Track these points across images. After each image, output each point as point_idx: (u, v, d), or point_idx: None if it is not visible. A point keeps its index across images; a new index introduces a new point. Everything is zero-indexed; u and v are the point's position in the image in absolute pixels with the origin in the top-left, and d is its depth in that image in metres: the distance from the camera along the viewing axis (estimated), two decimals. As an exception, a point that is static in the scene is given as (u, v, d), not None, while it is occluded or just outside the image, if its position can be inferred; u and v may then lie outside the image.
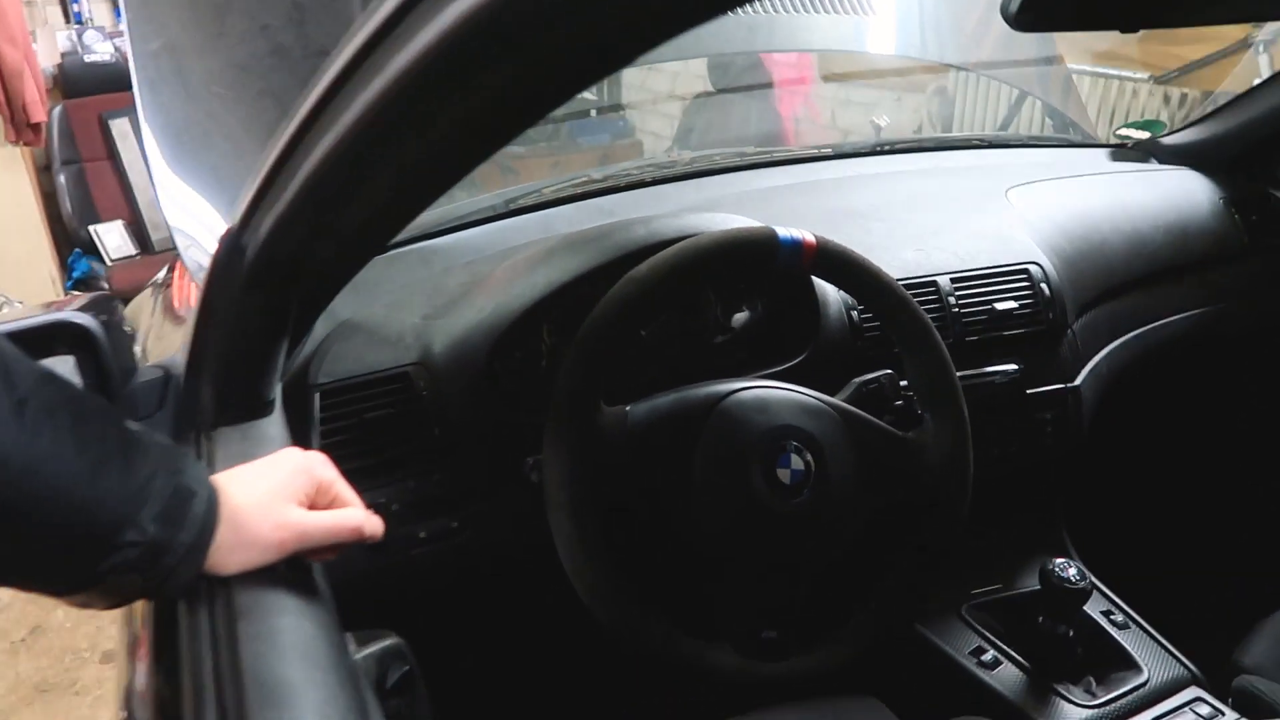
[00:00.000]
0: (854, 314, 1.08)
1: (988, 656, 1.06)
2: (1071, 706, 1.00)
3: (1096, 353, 1.24)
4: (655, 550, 0.89)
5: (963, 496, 0.90)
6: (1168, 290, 1.34)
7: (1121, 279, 1.29)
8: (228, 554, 0.58)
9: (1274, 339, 1.47)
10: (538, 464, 0.83)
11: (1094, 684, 1.04)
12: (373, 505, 0.90)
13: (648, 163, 1.47)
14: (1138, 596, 1.15)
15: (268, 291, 0.71)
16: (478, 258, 1.13)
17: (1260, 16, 1.47)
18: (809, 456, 0.83)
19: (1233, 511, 1.57)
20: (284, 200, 0.61)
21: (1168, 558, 1.41)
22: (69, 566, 0.52)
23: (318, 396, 0.92)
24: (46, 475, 0.49)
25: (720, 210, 1.08)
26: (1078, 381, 1.19)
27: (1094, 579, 1.05)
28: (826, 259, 0.87)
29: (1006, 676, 1.04)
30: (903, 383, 0.98)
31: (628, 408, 0.84)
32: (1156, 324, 1.32)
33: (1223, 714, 1.00)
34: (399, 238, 1.21)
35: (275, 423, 0.76)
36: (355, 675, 0.57)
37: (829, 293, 1.07)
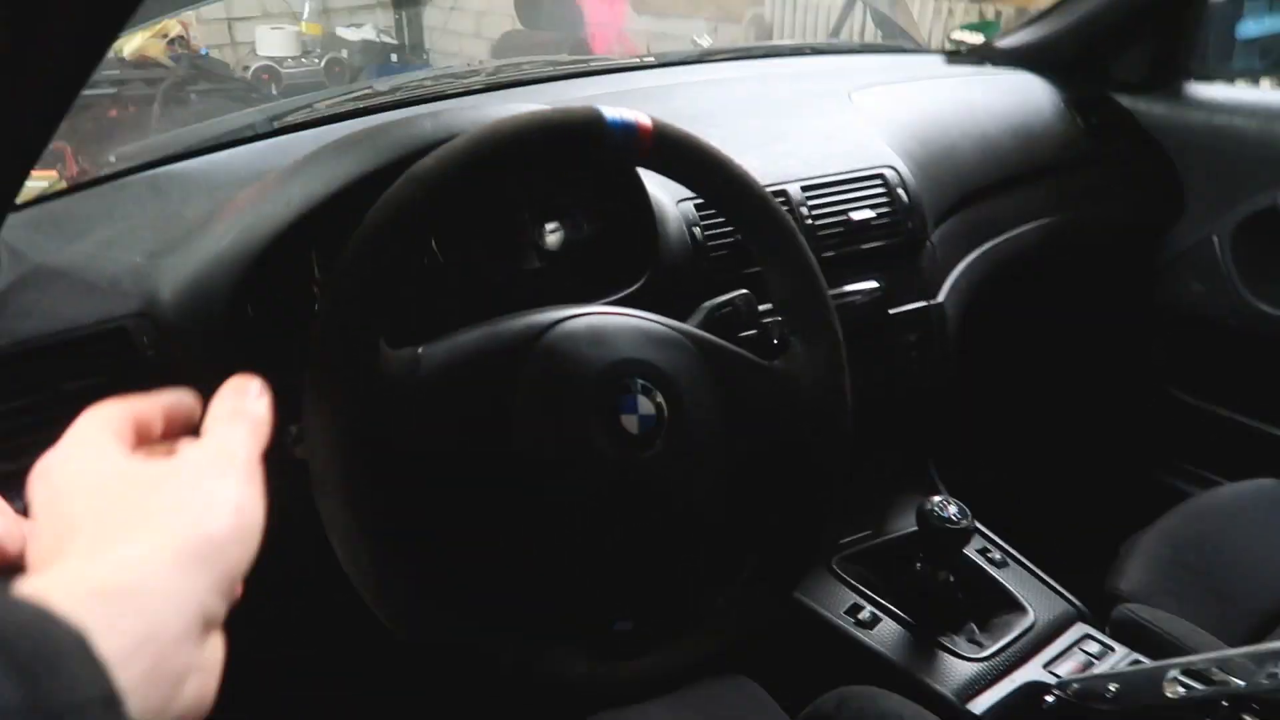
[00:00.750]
0: (696, 230, 0.91)
1: (865, 614, 0.94)
2: (960, 661, 0.89)
3: (955, 265, 1.13)
4: (467, 536, 0.69)
5: (844, 430, 0.75)
6: (1018, 195, 1.26)
7: (975, 185, 1.19)
8: None
9: (1124, 243, 1.43)
10: (302, 433, 0.62)
11: (977, 632, 0.94)
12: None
13: (443, 72, 1.24)
14: (1010, 531, 1.06)
15: None
16: (227, 181, 0.89)
17: None
18: (660, 397, 0.66)
19: (1095, 428, 1.54)
20: None
21: (1035, 486, 1.35)
22: None
23: None
24: None
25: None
26: (940, 298, 1.07)
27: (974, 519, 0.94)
28: (666, 146, 0.69)
29: (887, 635, 0.92)
30: (762, 306, 0.82)
31: (419, 349, 0.63)
32: (1012, 233, 1.22)
33: (1111, 649, 0.92)
34: (126, 164, 0.95)
35: None
36: None
37: (666, 207, 0.90)
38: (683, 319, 0.78)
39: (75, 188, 0.90)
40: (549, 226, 0.88)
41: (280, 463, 0.65)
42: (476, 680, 0.65)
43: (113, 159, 0.98)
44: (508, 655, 0.64)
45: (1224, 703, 0.71)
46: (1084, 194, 1.33)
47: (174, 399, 0.44)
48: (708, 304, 0.79)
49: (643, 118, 0.67)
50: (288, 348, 0.73)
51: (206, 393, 0.57)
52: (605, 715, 0.77)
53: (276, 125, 1.04)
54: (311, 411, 0.59)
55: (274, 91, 3.48)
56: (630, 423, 0.64)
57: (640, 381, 0.65)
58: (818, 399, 0.74)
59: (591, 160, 0.76)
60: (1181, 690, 0.73)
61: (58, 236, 0.81)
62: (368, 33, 3.94)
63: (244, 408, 0.42)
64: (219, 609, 0.33)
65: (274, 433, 0.45)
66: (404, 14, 3.85)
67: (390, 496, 0.60)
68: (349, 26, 3.97)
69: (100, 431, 0.39)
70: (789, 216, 0.74)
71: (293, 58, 3.81)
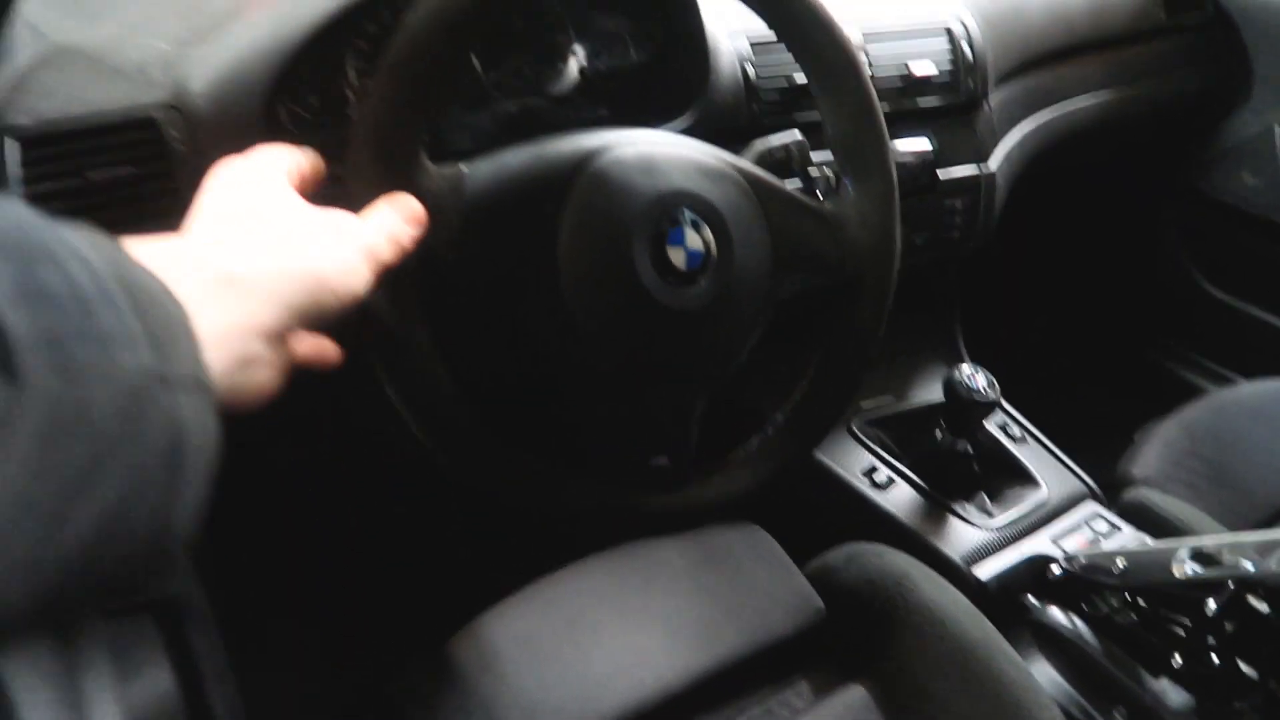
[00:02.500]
0: (749, 67, 0.87)
1: (880, 476, 0.95)
2: (970, 528, 0.90)
3: (1009, 132, 1.09)
4: (509, 368, 0.68)
5: (889, 279, 0.73)
6: (1083, 65, 1.20)
7: (1040, 49, 1.13)
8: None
9: (1169, 125, 1.37)
10: None
11: (989, 502, 0.95)
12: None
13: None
14: (1029, 407, 1.05)
15: None
16: None
17: None
18: (708, 232, 0.63)
19: (1122, 313, 1.52)
20: None
21: (1057, 365, 1.34)
22: None
23: (18, 146, 0.64)
24: None
25: None
26: (992, 166, 1.03)
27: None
28: None
29: (900, 497, 0.94)
30: (815, 155, 0.78)
31: (463, 166, 0.60)
32: (1069, 104, 1.17)
33: (1119, 529, 0.93)
34: None
35: None
36: None
37: (720, 41, 0.86)
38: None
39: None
40: (593, 49, 0.83)
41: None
42: (519, 514, 0.65)
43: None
44: (553, 490, 0.64)
45: (1230, 584, 0.72)
46: (1147, 69, 1.27)
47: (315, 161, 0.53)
48: (759, 143, 0.76)
49: None
50: (317, 147, 0.70)
51: None
52: (620, 550, 0.79)
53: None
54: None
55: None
56: (677, 256, 0.62)
57: (689, 214, 0.63)
58: (867, 243, 0.71)
59: None
60: (1190, 570, 0.74)
61: (78, 15, 0.77)
62: None
63: (397, 230, 0.51)
64: (295, 327, 0.42)
65: None
66: None
67: (433, 320, 0.59)
68: None
69: (275, 161, 0.49)
70: (857, 52, 0.70)
71: None
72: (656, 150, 0.64)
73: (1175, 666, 0.76)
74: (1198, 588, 0.73)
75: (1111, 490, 1.00)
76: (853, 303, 0.73)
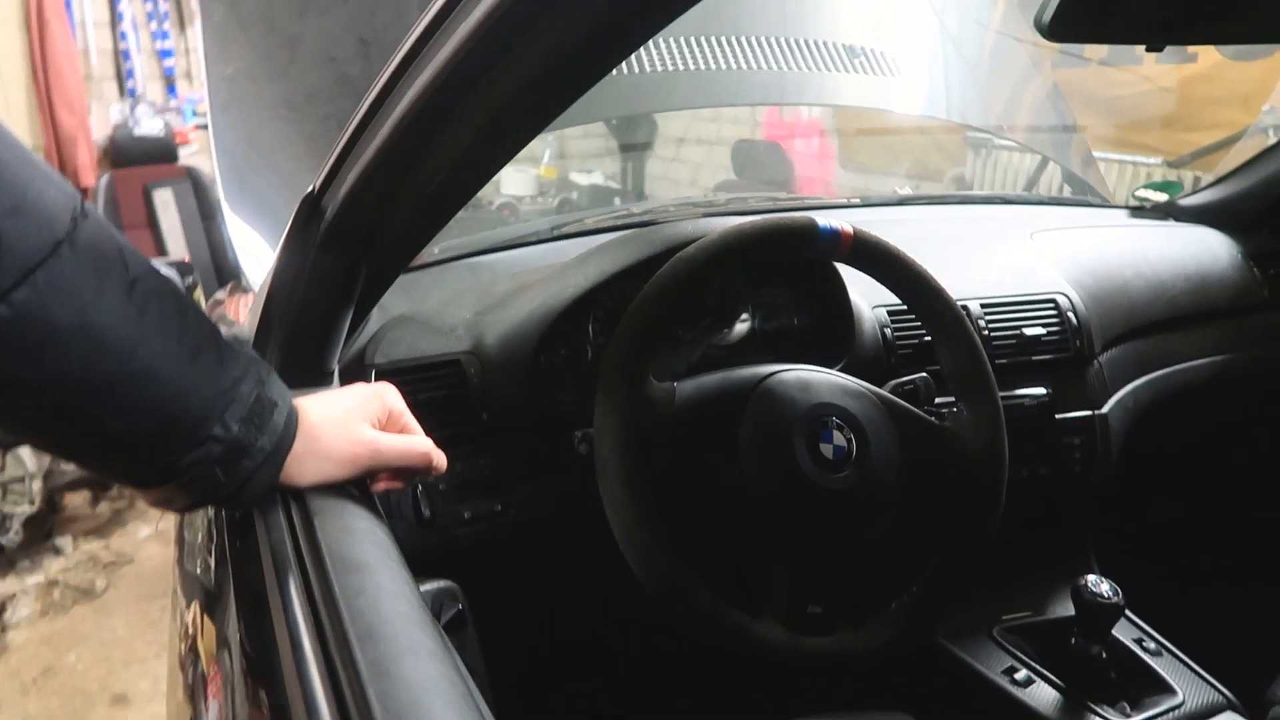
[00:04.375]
0: (888, 330, 1.11)
1: (1021, 675, 1.05)
2: (1107, 725, 0.99)
3: (1123, 386, 1.26)
4: (703, 522, 0.90)
5: (999, 481, 0.91)
6: (1190, 334, 1.37)
7: (1144, 319, 1.32)
8: (303, 464, 0.61)
9: None
10: (586, 436, 0.85)
11: (1128, 707, 1.03)
12: (421, 483, 0.93)
13: (685, 200, 1.52)
14: (1170, 627, 1.14)
15: (340, 252, 0.75)
16: (524, 269, 1.18)
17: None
18: (850, 434, 0.86)
19: (1260, 544, 1.56)
20: (361, 163, 0.66)
21: (1197, 589, 1.40)
22: (156, 452, 0.54)
23: (374, 374, 0.95)
24: (148, 354, 0.51)
25: None
26: (1105, 410, 1.21)
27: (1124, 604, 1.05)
28: (863, 247, 0.91)
29: (1040, 695, 1.03)
30: (938, 400, 1.00)
31: (675, 383, 0.86)
32: (1181, 365, 1.34)
33: None
34: (449, 254, 1.27)
35: None
36: (416, 587, 0.59)
37: (864, 308, 1.11)
38: None
39: (417, 267, 1.22)
40: (765, 315, 1.10)
41: (568, 458, 0.90)
42: (705, 648, 0.83)
43: (437, 251, 1.30)
44: (729, 619, 0.83)
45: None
46: (1259, 337, 1.43)
47: (409, 420, 0.71)
48: (894, 380, 0.99)
49: (846, 226, 0.90)
50: (568, 382, 0.99)
51: (511, 410, 0.85)
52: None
53: (555, 233, 1.34)
54: (599, 419, 0.83)
55: (511, 222, 4.00)
56: (827, 450, 0.84)
57: (835, 420, 0.85)
58: (978, 452, 0.91)
59: (809, 256, 0.98)
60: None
61: (406, 299, 1.12)
62: (596, 178, 4.45)
63: (411, 455, 0.67)
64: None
65: (559, 447, 0.80)
66: (629, 163, 4.32)
67: (650, 484, 0.82)
68: (581, 171, 4.50)
69: (370, 402, 0.67)
70: (955, 302, 0.94)
71: (530, 196, 4.36)
72: (811, 375, 0.88)
73: None
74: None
75: (1259, 710, 1.05)
76: (969, 500, 0.91)
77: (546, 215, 4.10)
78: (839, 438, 0.85)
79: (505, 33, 0.51)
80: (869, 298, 1.13)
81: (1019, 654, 1.09)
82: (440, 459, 0.68)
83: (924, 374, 1.00)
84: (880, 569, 0.94)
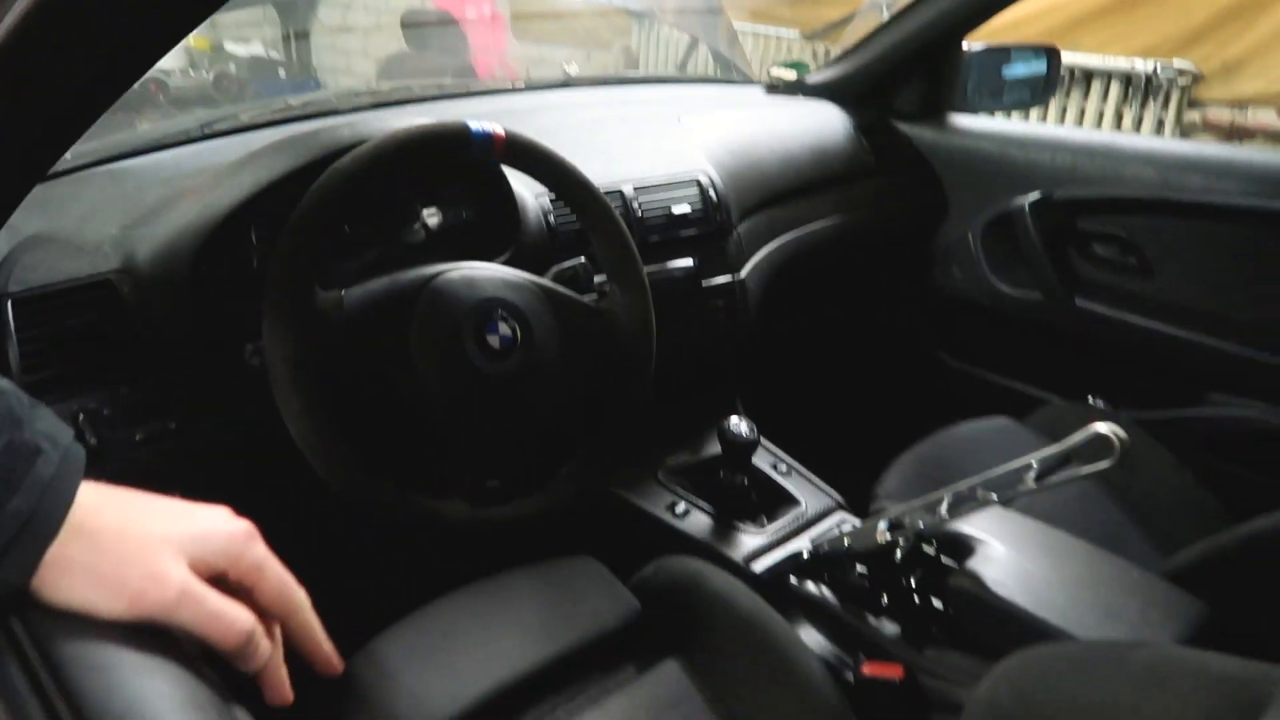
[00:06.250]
0: (550, 217, 1.19)
1: (680, 508, 1.23)
2: (748, 537, 1.19)
3: (757, 251, 1.45)
4: (382, 421, 0.96)
5: (649, 354, 1.04)
6: (814, 200, 1.59)
7: (775, 190, 1.51)
8: (69, 576, 0.45)
9: (894, 239, 1.78)
10: (258, 349, 0.87)
11: (765, 519, 1.24)
12: (83, 411, 0.90)
13: (346, 92, 1.50)
14: (798, 450, 1.37)
15: None
16: (175, 174, 1.12)
17: None
18: (515, 325, 0.94)
19: (871, 376, 1.89)
20: None
21: (821, 417, 1.68)
22: None
23: (9, 305, 0.89)
24: None
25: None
26: (743, 274, 1.39)
27: (761, 436, 1.25)
28: (515, 149, 0.97)
29: (696, 522, 1.22)
30: (596, 276, 1.11)
31: (342, 292, 0.89)
32: (806, 228, 1.56)
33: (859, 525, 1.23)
34: (85, 160, 1.17)
35: None
36: None
37: (528, 198, 1.18)
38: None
39: (48, 178, 1.12)
40: (430, 210, 1.14)
41: (242, 370, 0.92)
42: (394, 527, 0.89)
43: (69, 157, 1.19)
44: (415, 505, 0.90)
45: (911, 538, 1.02)
46: (868, 200, 1.68)
47: (265, 580, 0.54)
48: (555, 267, 1.08)
49: (498, 128, 0.96)
50: (231, 294, 0.98)
51: (173, 327, 0.83)
52: (481, 582, 1.04)
53: (207, 131, 1.28)
54: (268, 333, 0.84)
55: (162, 100, 3.60)
56: (494, 341, 0.92)
57: (501, 312, 0.93)
58: (631, 330, 1.03)
59: (464, 160, 1.03)
60: (886, 536, 1.04)
61: (41, 214, 1.04)
62: (255, 48, 4.06)
63: (216, 628, 0.50)
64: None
65: (229, 359, 0.72)
66: (292, 31, 3.97)
67: (327, 391, 0.86)
68: (237, 41, 4.09)
69: (208, 540, 0.51)
70: (606, 199, 1.04)
71: (181, 70, 3.92)
72: (475, 272, 0.95)
73: (885, 606, 1.05)
74: (892, 546, 1.04)
75: (864, 505, 1.31)
76: (624, 373, 1.04)
77: (202, 91, 3.74)
78: (504, 329, 0.93)
79: None
80: (531, 187, 1.20)
81: (679, 490, 1.27)
82: (262, 652, 0.52)
83: (581, 259, 1.10)
84: (550, 440, 1.05)
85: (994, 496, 0.91)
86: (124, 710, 0.40)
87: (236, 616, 0.50)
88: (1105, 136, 1.59)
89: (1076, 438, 0.83)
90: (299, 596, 0.56)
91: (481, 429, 0.94)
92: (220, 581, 0.51)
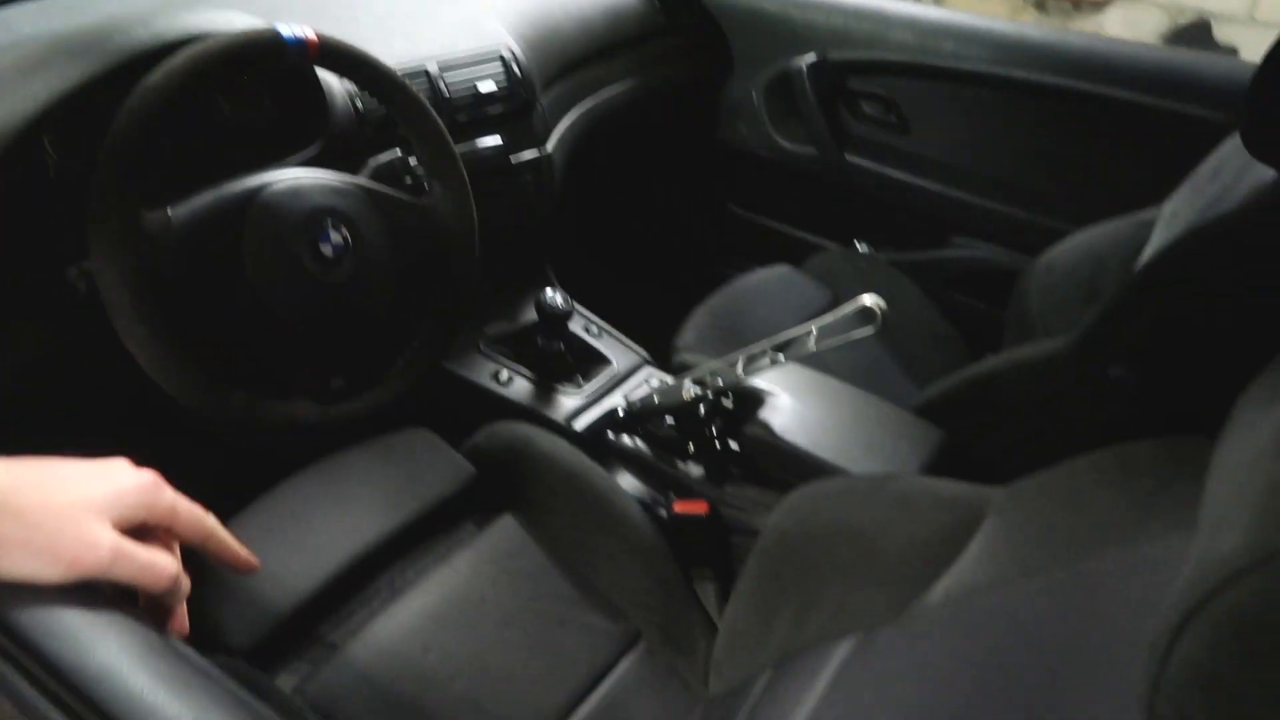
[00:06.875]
0: (358, 103, 1.19)
1: (503, 376, 1.34)
2: (567, 398, 1.32)
3: (560, 122, 1.50)
4: (223, 334, 0.98)
5: (472, 244, 1.11)
6: (610, 64, 1.64)
7: (574, 57, 1.55)
8: (7, 552, 0.49)
9: (685, 96, 1.88)
10: (84, 272, 0.87)
11: (581, 380, 1.37)
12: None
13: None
14: (609, 312, 1.49)
15: None
16: None
17: None
18: (345, 231, 0.97)
19: (669, 232, 2.03)
20: None
21: (626, 275, 1.81)
22: None
23: None
24: None
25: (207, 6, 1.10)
26: (549, 147, 1.45)
27: (575, 303, 1.35)
28: (329, 54, 0.97)
29: (519, 388, 1.33)
30: (410, 160, 1.14)
31: (169, 210, 0.89)
32: (603, 93, 1.62)
33: (668, 382, 1.39)
34: None
35: None
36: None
37: (334, 86, 1.17)
38: (355, 173, 1.09)
39: None
40: (233, 104, 1.12)
41: (63, 292, 0.91)
42: (243, 432, 0.94)
43: None
44: (265, 410, 0.95)
45: (711, 394, 1.18)
46: (657, 60, 1.75)
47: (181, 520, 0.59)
48: (372, 161, 1.11)
49: (310, 33, 0.95)
50: (30, 210, 0.94)
51: None
52: (324, 460, 1.11)
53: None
54: (97, 257, 0.84)
55: None
56: (326, 250, 0.96)
57: (330, 220, 0.96)
58: (452, 223, 1.09)
59: (279, 67, 1.01)
60: (693, 392, 1.19)
61: None
62: None
63: (151, 575, 0.55)
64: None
65: (42, 282, 0.75)
66: None
67: (165, 311, 0.88)
68: None
69: (123, 497, 0.55)
70: (421, 96, 1.06)
71: None
72: (301, 182, 0.97)
73: (691, 452, 1.22)
74: (696, 401, 1.19)
75: (668, 358, 1.46)
76: (450, 266, 1.11)
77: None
78: (335, 237, 0.96)
79: None
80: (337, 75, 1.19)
81: (501, 359, 1.37)
82: (184, 588, 0.58)
83: (397, 152, 1.13)
84: (387, 334, 1.11)
85: (781, 358, 1.07)
86: (98, 672, 0.48)
87: (165, 564, 0.55)
88: (874, 2, 1.72)
89: (847, 308, 0.99)
90: (209, 521, 0.61)
91: (321, 332, 0.99)
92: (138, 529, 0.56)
